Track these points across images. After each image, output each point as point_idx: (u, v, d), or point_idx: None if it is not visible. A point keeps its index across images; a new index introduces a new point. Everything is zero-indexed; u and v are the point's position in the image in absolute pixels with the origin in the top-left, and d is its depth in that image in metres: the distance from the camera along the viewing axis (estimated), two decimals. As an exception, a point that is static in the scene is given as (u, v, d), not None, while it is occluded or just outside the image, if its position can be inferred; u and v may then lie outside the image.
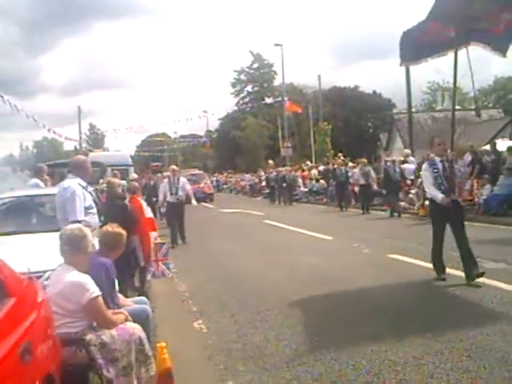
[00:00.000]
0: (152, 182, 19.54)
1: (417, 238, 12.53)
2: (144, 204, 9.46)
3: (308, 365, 5.11)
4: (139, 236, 8.50)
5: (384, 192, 20.05)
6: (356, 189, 22.36)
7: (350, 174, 22.71)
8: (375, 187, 20.99)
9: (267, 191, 36.53)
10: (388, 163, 19.80)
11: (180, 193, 14.66)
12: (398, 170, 19.21)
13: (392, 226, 16.14)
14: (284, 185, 29.34)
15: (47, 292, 4.17)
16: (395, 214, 18.35)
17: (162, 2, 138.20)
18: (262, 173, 41.24)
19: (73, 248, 4.31)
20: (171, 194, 14.62)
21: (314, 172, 31.39)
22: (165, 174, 19.90)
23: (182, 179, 15.29)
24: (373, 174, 20.97)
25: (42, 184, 10.83)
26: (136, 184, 10.53)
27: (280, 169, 32.17)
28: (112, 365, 4.07)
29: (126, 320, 4.48)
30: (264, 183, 38.24)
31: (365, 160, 22.47)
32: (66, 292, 4.08)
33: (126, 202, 8.96)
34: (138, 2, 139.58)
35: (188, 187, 15.43)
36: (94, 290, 4.13)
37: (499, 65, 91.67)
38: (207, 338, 6.26)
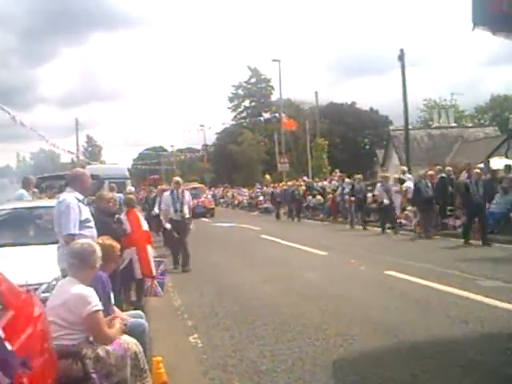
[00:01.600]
0: (153, 195, 18.95)
1: (414, 255, 12.57)
2: (141, 217, 9.43)
3: (304, 381, 5.10)
4: (136, 248, 8.48)
5: (412, 210, 18.37)
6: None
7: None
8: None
9: (265, 206, 36.47)
10: (419, 177, 17.71)
11: (186, 209, 12.85)
12: (429, 184, 16.91)
13: (389, 243, 16.16)
14: (293, 200, 28.12)
15: (49, 302, 4.18)
16: (422, 235, 16.51)
17: (159, 15, 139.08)
18: (259, 187, 41.28)
19: (81, 262, 4.35)
20: (175, 211, 12.75)
21: (335, 183, 28.67)
22: (162, 187, 18.49)
23: (187, 193, 13.44)
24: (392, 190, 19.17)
25: (28, 195, 10.70)
26: (133, 197, 10.52)
27: (289, 183, 31.05)
28: (106, 379, 4.06)
29: (123, 331, 4.48)
30: (261, 198, 38.26)
31: (388, 175, 20.55)
32: (70, 303, 4.11)
33: (122, 215, 8.93)
34: (136, 14, 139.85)
35: (191, 203, 13.64)
36: (97, 304, 4.15)
37: (496, 83, 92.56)
38: (203, 352, 6.24)
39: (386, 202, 18.48)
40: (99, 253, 4.49)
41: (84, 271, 4.34)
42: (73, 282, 4.27)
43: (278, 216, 30.02)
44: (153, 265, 8.64)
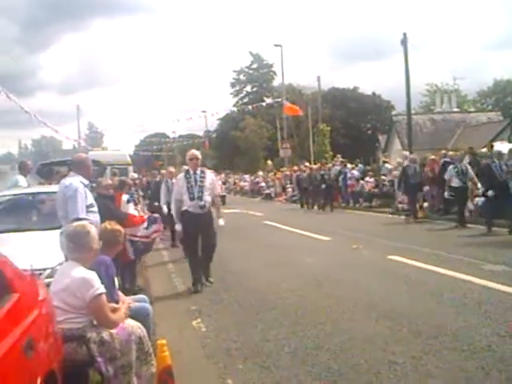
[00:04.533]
0: (158, 178, 16.60)
1: (418, 240, 12.58)
2: (124, 200, 9.05)
3: (307, 364, 5.13)
4: None
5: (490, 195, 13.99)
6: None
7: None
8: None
9: (266, 192, 36.46)
10: (492, 157, 14.72)
11: (207, 197, 8.79)
12: (504, 167, 13.87)
13: (393, 229, 16.19)
14: (323, 186, 23.86)
15: (52, 287, 4.18)
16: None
17: (163, 1, 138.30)
18: (260, 175, 41.31)
19: (76, 245, 4.32)
20: (191, 199, 8.70)
21: (337, 168, 25.90)
22: (170, 169, 15.57)
23: (210, 175, 9.24)
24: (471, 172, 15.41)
25: (24, 181, 10.60)
26: (126, 179, 10.46)
27: (314, 166, 27.71)
28: (110, 363, 4.07)
29: (126, 316, 4.50)
30: (263, 184, 38.24)
31: (457, 153, 16.80)
32: (73, 287, 4.09)
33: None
34: (140, 0, 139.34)
35: (219, 189, 9.59)
36: (99, 287, 4.13)
37: (499, 67, 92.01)
38: (206, 336, 6.28)
39: (455, 184, 15.26)
40: (94, 234, 4.46)
41: (81, 253, 4.31)
42: (73, 266, 4.25)
43: (306, 205, 25.64)
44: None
